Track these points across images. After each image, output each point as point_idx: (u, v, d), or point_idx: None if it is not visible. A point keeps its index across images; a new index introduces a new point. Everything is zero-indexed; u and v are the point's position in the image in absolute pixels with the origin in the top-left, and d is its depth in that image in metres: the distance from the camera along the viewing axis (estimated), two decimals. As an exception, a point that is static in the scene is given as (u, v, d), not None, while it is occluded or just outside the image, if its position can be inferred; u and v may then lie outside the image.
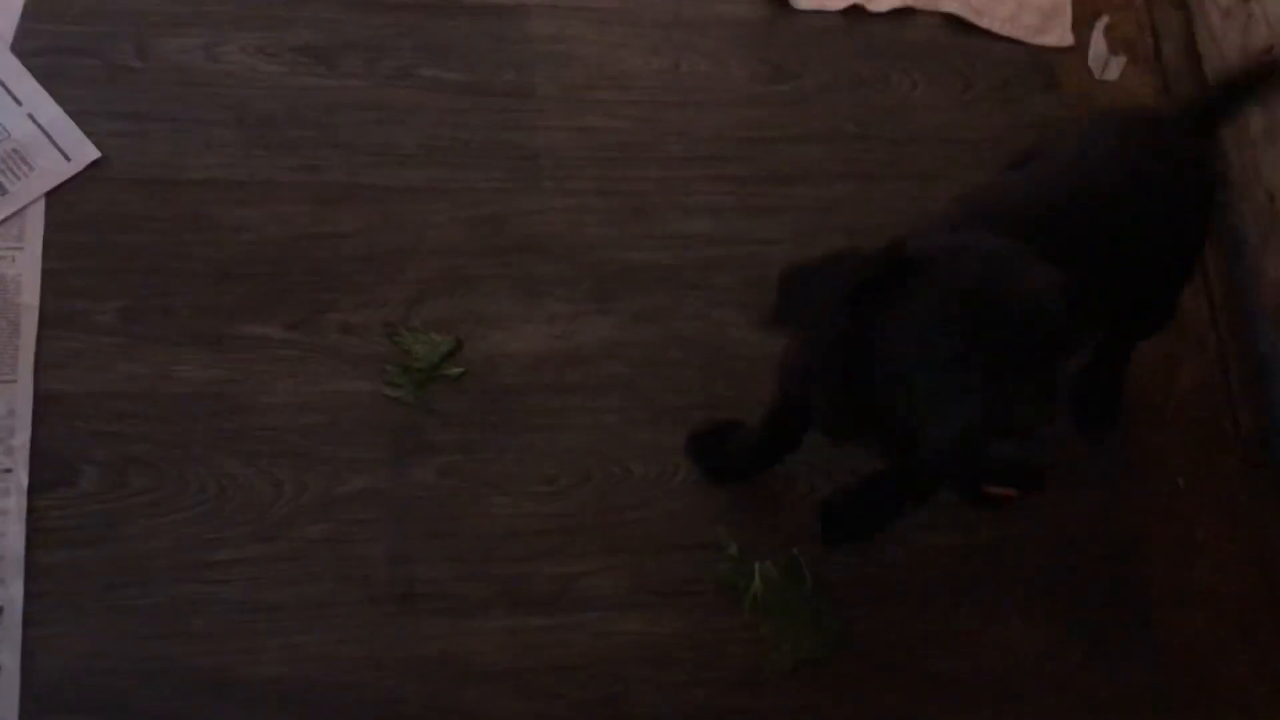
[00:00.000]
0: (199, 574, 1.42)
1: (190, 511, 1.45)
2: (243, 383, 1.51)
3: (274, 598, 1.43)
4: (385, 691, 1.41)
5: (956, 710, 1.51)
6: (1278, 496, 1.69)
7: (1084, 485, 1.63)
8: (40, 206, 1.55)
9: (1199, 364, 1.76)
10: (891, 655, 1.52)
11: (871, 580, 1.54)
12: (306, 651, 1.41)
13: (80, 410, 1.47)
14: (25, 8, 1.64)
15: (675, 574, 1.51)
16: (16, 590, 1.38)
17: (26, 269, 1.52)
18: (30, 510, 1.41)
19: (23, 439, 1.44)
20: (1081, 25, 1.96)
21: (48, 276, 1.52)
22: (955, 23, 1.92)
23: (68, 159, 1.58)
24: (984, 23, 1.92)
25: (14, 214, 1.54)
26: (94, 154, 1.58)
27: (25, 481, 1.42)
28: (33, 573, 1.39)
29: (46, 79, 1.61)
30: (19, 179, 1.56)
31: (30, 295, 1.50)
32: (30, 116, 1.59)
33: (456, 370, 1.56)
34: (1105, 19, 1.97)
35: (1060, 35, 1.95)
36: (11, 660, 1.35)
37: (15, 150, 1.57)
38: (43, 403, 1.46)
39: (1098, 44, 1.95)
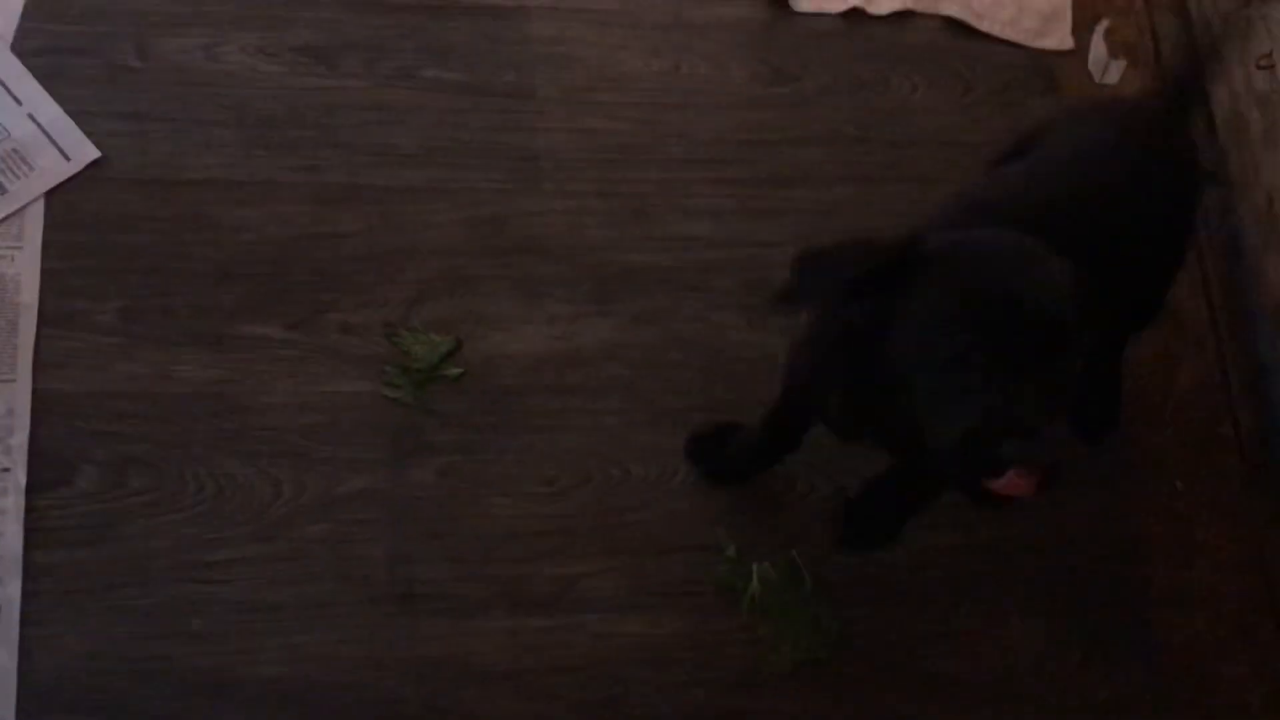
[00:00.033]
0: (198, 574, 1.42)
1: (189, 511, 1.45)
2: (242, 383, 1.51)
3: (273, 598, 1.42)
4: (385, 692, 1.41)
5: (956, 711, 1.51)
6: (1277, 498, 1.69)
7: (1084, 486, 1.62)
8: (40, 206, 1.55)
9: (1198, 365, 1.77)
10: (891, 655, 1.52)
11: (871, 580, 1.54)
12: (306, 652, 1.41)
13: (79, 410, 1.47)
14: (25, 7, 1.64)
15: (675, 575, 1.51)
16: (14, 590, 1.37)
17: (26, 268, 1.52)
18: (28, 510, 1.41)
19: (21, 438, 1.44)
20: (1082, 29, 1.97)
21: (47, 276, 1.52)
22: (955, 26, 1.92)
23: (67, 159, 1.58)
24: (984, 26, 1.93)
25: (13, 213, 1.54)
26: (94, 154, 1.58)
27: (23, 481, 1.42)
28: (31, 572, 1.38)
29: (46, 79, 1.61)
30: (19, 178, 1.55)
31: (29, 294, 1.50)
32: (30, 116, 1.59)
33: (456, 371, 1.56)
34: (1105, 23, 1.97)
35: (1060, 39, 1.95)
36: (9, 660, 1.34)
37: (15, 150, 1.57)
38: (42, 402, 1.46)
39: (1098, 48, 1.95)
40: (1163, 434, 1.71)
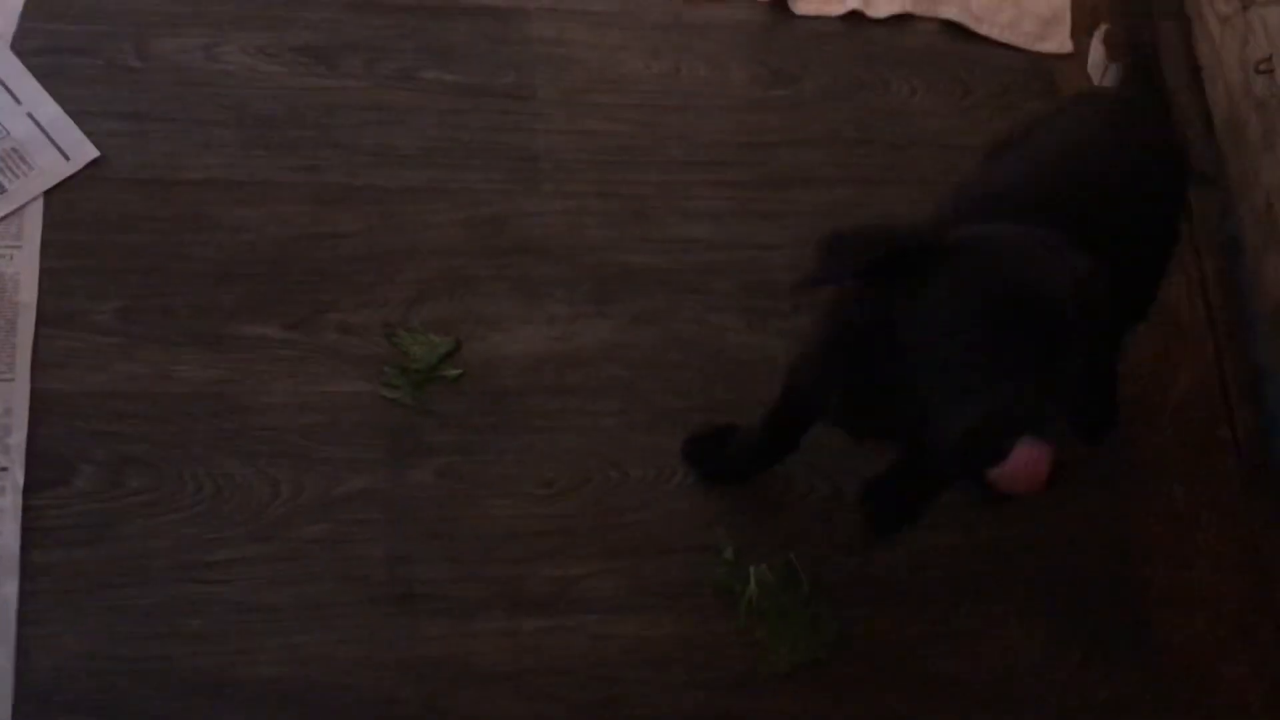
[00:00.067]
0: (197, 574, 1.42)
1: (188, 511, 1.44)
2: (241, 383, 1.51)
3: (272, 598, 1.42)
4: (384, 692, 1.40)
5: (955, 712, 1.51)
6: (1275, 499, 1.69)
7: (1083, 487, 1.63)
8: (39, 205, 1.55)
9: (1197, 368, 1.77)
10: (889, 656, 1.52)
11: (870, 582, 1.54)
12: (305, 652, 1.40)
13: (78, 409, 1.46)
14: (25, 7, 1.64)
15: (673, 577, 1.51)
16: (11, 589, 1.37)
17: (25, 267, 1.51)
18: (26, 509, 1.41)
19: (19, 438, 1.43)
20: (1080, 33, 1.97)
21: (46, 275, 1.52)
22: (954, 29, 1.93)
23: (67, 158, 1.58)
24: (983, 29, 1.93)
25: (13, 212, 1.54)
26: (93, 153, 1.58)
27: (21, 480, 1.42)
28: (28, 572, 1.38)
29: (46, 78, 1.61)
30: (18, 178, 1.55)
31: (28, 294, 1.50)
32: (30, 115, 1.59)
33: (455, 371, 1.56)
34: (1104, 27, 1.97)
35: (1059, 42, 1.96)
36: (7, 660, 1.34)
37: (14, 149, 1.57)
38: (40, 401, 1.46)
39: (1096, 51, 1.96)
40: (1162, 436, 1.71)
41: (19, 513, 1.40)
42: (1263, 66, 1.76)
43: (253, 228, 1.59)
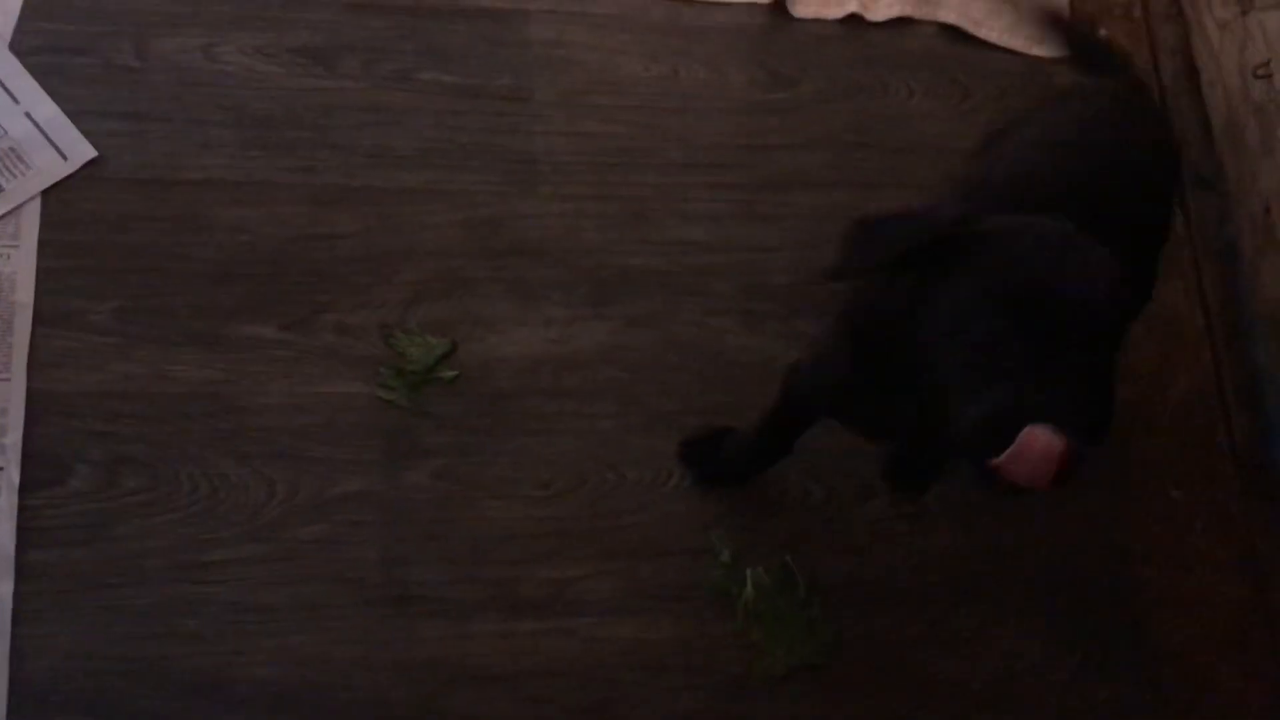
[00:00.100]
0: (192, 574, 1.42)
1: (183, 512, 1.44)
2: (238, 383, 1.51)
3: (267, 599, 1.42)
4: (379, 693, 1.40)
5: (954, 714, 1.51)
6: (1272, 503, 1.69)
7: (1081, 491, 1.62)
8: (36, 205, 1.55)
9: (1194, 373, 1.77)
10: (886, 659, 1.51)
11: (866, 584, 1.54)
12: (300, 653, 1.40)
13: (74, 409, 1.46)
14: (24, 6, 1.64)
15: (669, 579, 1.51)
16: (6, 589, 1.37)
17: (22, 267, 1.51)
18: (22, 509, 1.41)
19: (15, 437, 1.43)
20: (1079, 37, 1.97)
21: (43, 275, 1.52)
22: (953, 33, 1.93)
23: (65, 158, 1.57)
24: (982, 33, 1.93)
25: (10, 212, 1.54)
26: (91, 153, 1.58)
27: (17, 480, 1.41)
28: (23, 572, 1.38)
29: (44, 77, 1.61)
30: (15, 177, 1.55)
31: (25, 293, 1.50)
32: (28, 115, 1.59)
33: (451, 373, 1.56)
34: (1103, 31, 1.97)
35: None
36: (2, 660, 1.34)
37: (12, 149, 1.56)
38: (36, 401, 1.46)
39: (1095, 55, 1.95)
40: (1160, 439, 1.71)
41: (14, 513, 1.40)
42: (1261, 71, 1.76)
43: (250, 228, 1.59)
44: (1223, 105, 1.86)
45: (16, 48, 1.62)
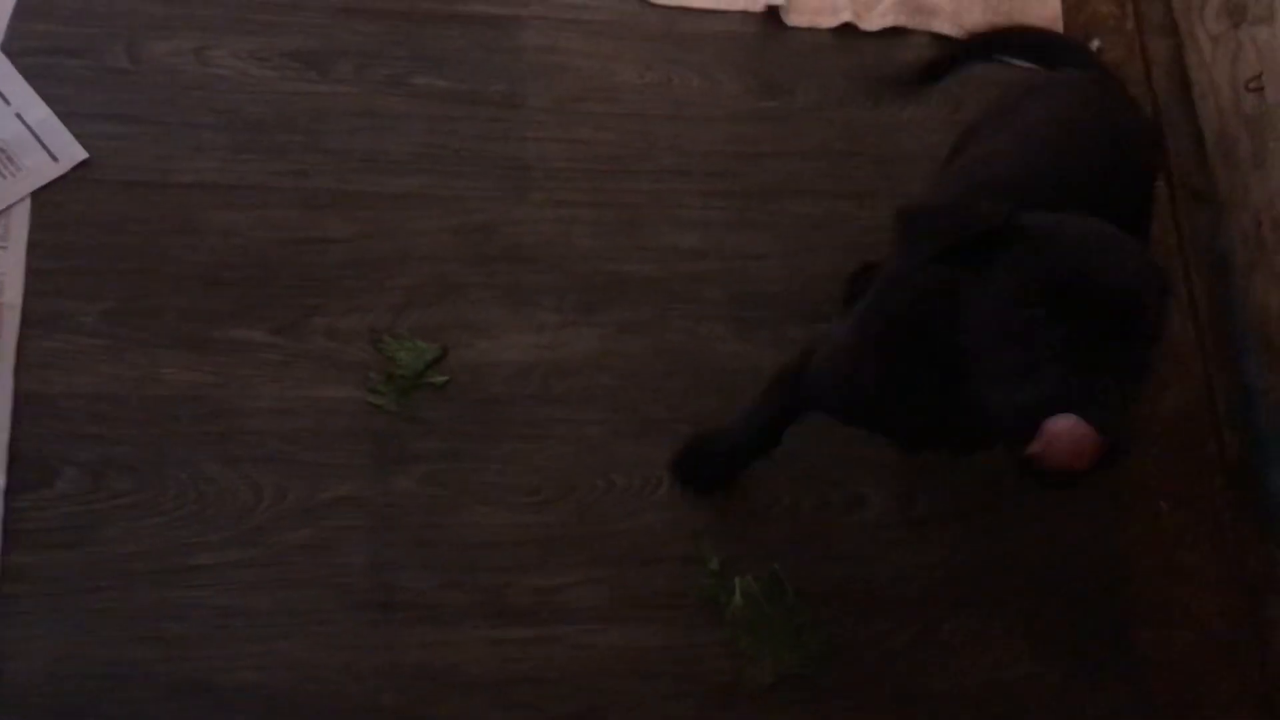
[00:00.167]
0: (178, 578, 1.41)
1: (171, 515, 1.44)
2: (227, 386, 1.51)
3: (254, 604, 1.42)
4: (364, 700, 1.40)
5: (939, 726, 1.51)
6: (1262, 518, 1.69)
7: (1071, 504, 1.62)
8: (26, 206, 1.54)
9: (1185, 387, 1.77)
10: (874, 669, 1.51)
11: (855, 593, 1.54)
12: (286, 658, 1.40)
13: (61, 411, 1.46)
14: (16, 8, 1.63)
15: (657, 587, 1.51)
16: (-8, 591, 1.36)
17: (11, 268, 1.51)
18: (8, 511, 1.40)
19: (2, 439, 1.43)
20: (1072, 48, 1.97)
21: (32, 276, 1.51)
22: (946, 42, 1.93)
23: (55, 159, 1.57)
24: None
25: (0, 213, 1.53)
26: (81, 155, 1.58)
27: (3, 482, 1.41)
28: (9, 574, 1.38)
29: (36, 79, 1.61)
30: (5, 178, 1.55)
31: (13, 295, 1.49)
32: (18, 116, 1.58)
33: (441, 378, 1.56)
34: (1096, 43, 1.98)
35: (1051, 57, 1.95)
36: (-15, 663, 1.34)
37: (2, 150, 1.56)
38: (23, 403, 1.45)
39: (1088, 66, 1.96)
40: (1150, 453, 1.71)
41: (0, 515, 1.39)
42: (1253, 84, 1.77)
43: (241, 232, 1.59)
44: (1215, 118, 1.86)
45: (8, 49, 1.62)
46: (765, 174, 1.78)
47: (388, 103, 1.70)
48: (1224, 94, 1.84)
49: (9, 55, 1.61)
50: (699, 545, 1.53)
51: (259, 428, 1.49)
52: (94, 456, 1.45)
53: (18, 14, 1.63)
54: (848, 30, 1.90)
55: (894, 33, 1.91)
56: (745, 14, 1.88)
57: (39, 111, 1.59)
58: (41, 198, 1.55)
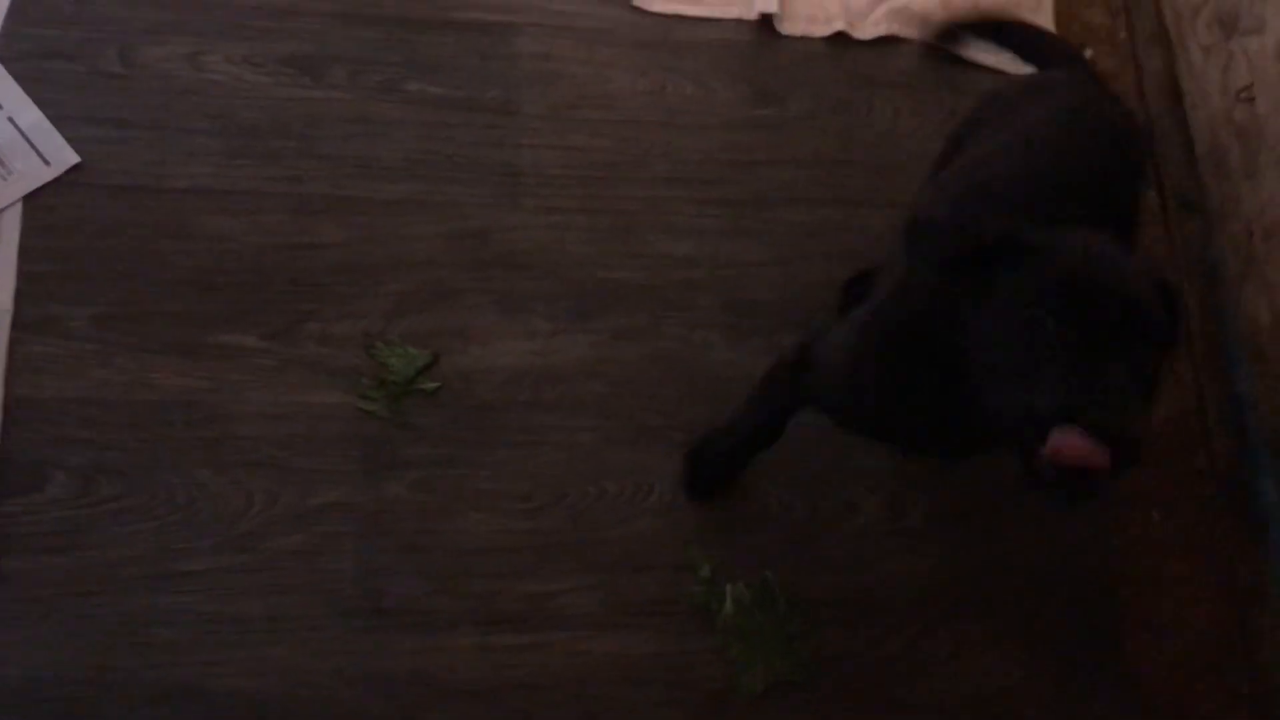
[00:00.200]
0: (168, 584, 1.41)
1: (161, 520, 1.44)
2: (218, 392, 1.50)
3: (243, 610, 1.41)
4: (353, 706, 1.39)
5: (929, 734, 1.51)
6: (1250, 531, 1.70)
7: (1059, 516, 1.62)
8: (17, 210, 1.54)
9: (1176, 397, 1.77)
10: (864, 678, 1.51)
11: (846, 601, 1.54)
12: (275, 664, 1.40)
13: (51, 416, 1.46)
14: (9, 11, 1.63)
15: (648, 594, 1.51)
16: (-20, 596, 1.36)
17: (2, 272, 1.51)
18: (-2, 515, 1.40)
19: (-8, 443, 1.43)
20: (1064, 57, 1.98)
21: (23, 280, 1.51)
22: (940, 52, 1.93)
23: (47, 163, 1.57)
24: (968, 53, 1.93)
25: (-9, 217, 1.53)
26: (74, 159, 1.58)
27: (-7, 486, 1.41)
28: (-2, 579, 1.37)
29: (28, 83, 1.61)
30: (-2, 182, 1.55)
31: (5, 298, 1.49)
32: (10, 120, 1.58)
33: (432, 385, 1.55)
34: (1089, 53, 1.98)
35: (1043, 67, 1.96)
36: (-27, 667, 1.33)
37: (-6, 153, 1.56)
38: (14, 407, 1.45)
39: (1080, 76, 1.96)
40: (1140, 462, 1.71)
41: (-11, 519, 1.39)
42: (1244, 95, 1.78)
43: (234, 237, 1.59)
44: (1206, 128, 1.87)
45: (1, 53, 1.61)
46: (759, 181, 1.78)
47: (381, 109, 1.71)
48: (1215, 104, 1.85)
49: (2, 59, 1.61)
50: (690, 552, 1.53)
51: (250, 433, 1.49)
52: (84, 461, 1.44)
53: (10, 17, 1.63)
54: (841, 39, 1.90)
55: (887, 41, 1.92)
56: (739, 22, 1.88)
57: (31, 115, 1.59)
58: (33, 202, 1.55)
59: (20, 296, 1.50)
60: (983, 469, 1.49)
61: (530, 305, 1.63)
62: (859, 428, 1.31)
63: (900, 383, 1.17)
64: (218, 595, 1.41)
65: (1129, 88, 1.97)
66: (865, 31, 1.92)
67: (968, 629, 1.56)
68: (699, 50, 1.85)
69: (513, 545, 1.50)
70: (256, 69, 1.69)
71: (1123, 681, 1.58)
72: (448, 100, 1.73)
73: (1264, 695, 1.61)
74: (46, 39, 1.64)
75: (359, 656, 1.42)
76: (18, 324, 1.48)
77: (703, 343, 1.65)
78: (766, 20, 1.88)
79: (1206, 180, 1.85)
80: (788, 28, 1.89)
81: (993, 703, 1.54)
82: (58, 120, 1.59)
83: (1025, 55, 1.60)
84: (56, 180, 1.57)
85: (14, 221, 1.53)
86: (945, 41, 1.69)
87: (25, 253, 1.52)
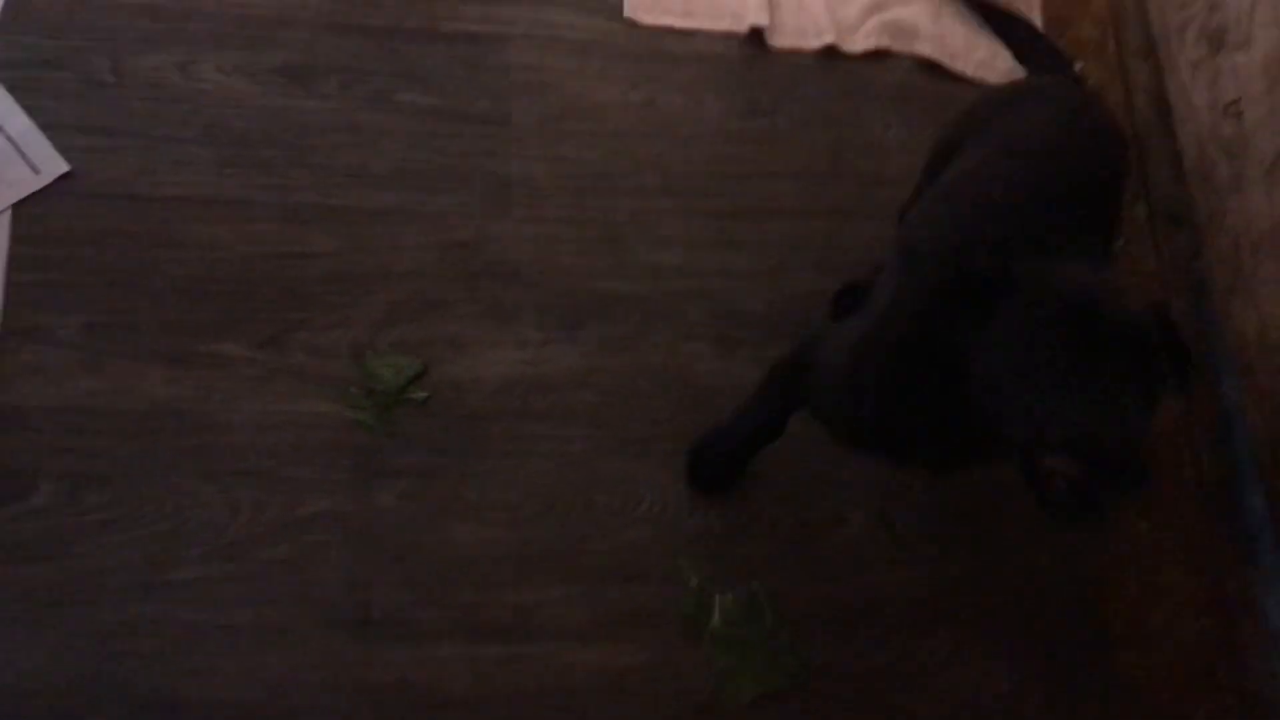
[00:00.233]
0: (154, 593, 1.41)
1: (147, 530, 1.43)
2: (206, 401, 1.50)
3: (230, 619, 1.41)
4: (341, 716, 1.39)
5: (915, 746, 1.51)
6: (1238, 541, 1.70)
7: (1049, 528, 1.62)
8: (6, 218, 1.54)
9: (1163, 411, 1.76)
10: (853, 689, 1.51)
11: (835, 613, 1.54)
12: (262, 674, 1.39)
13: (38, 424, 1.45)
14: None
15: (636, 605, 1.50)
16: (-35, 605, 1.35)
17: (-10, 280, 1.51)
18: (-17, 524, 1.39)
19: (-21, 452, 1.42)
20: (1053, 71, 1.99)
21: (12, 288, 1.51)
22: (929, 66, 1.94)
23: (36, 171, 1.57)
24: (958, 66, 1.95)
25: (-20, 225, 1.53)
26: (63, 167, 1.58)
27: (-21, 495, 1.40)
28: (-17, 588, 1.37)
29: (18, 91, 1.61)
30: (-14, 190, 1.55)
31: (-7, 306, 1.49)
32: (0, 128, 1.58)
33: (421, 394, 1.55)
34: (1079, 65, 1.99)
35: (1032, 81, 1.97)
36: (-43, 677, 1.32)
37: (-16, 161, 1.56)
38: (1, 415, 1.44)
39: (1069, 90, 1.97)
40: (1127, 474, 1.72)
41: (-25, 528, 1.39)
42: (1232, 109, 1.78)
43: (223, 246, 1.59)
44: (1194, 142, 1.88)
45: (-9, 61, 1.62)
46: (748, 193, 1.78)
47: (372, 119, 1.71)
48: (1203, 118, 1.86)
49: (-8, 67, 1.61)
50: (679, 563, 1.52)
51: (238, 442, 1.49)
52: (70, 470, 1.44)
53: (1, 26, 1.63)
54: (831, 52, 1.91)
55: (876, 55, 1.93)
56: (730, 35, 1.89)
57: (20, 123, 1.59)
58: (22, 210, 1.55)
59: (9, 305, 1.50)
60: (972, 481, 1.50)
61: (520, 315, 1.63)
62: (854, 437, 1.31)
63: (899, 392, 1.17)
64: (204, 605, 1.41)
65: (1118, 101, 1.98)
66: (855, 45, 1.92)
67: (956, 640, 1.56)
68: (689, 63, 1.86)
69: (500, 555, 1.50)
70: (247, 79, 1.69)
71: (1112, 691, 1.58)
72: (438, 111, 1.74)
73: (1252, 704, 1.61)
74: (37, 48, 1.64)
75: (347, 667, 1.41)
76: (5, 332, 1.48)
77: (692, 353, 1.66)
78: (757, 33, 1.89)
79: (1194, 194, 1.86)
80: (778, 41, 1.90)
81: (982, 714, 1.54)
82: (48, 128, 1.59)
83: (1021, 55, 1.61)
84: (46, 189, 1.56)
85: (3, 229, 1.53)
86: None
87: (14, 261, 1.52)
